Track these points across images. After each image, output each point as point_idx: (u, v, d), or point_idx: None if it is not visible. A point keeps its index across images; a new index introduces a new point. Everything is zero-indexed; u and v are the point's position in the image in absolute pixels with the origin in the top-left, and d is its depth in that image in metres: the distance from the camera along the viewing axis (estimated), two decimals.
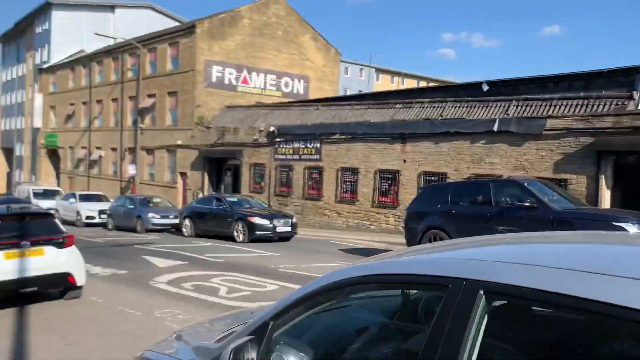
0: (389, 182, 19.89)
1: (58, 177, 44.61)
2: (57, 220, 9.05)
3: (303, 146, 22.78)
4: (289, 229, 17.05)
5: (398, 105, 21.10)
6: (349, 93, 51.42)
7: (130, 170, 32.99)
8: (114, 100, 36.63)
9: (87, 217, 24.70)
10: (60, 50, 46.32)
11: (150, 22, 44.91)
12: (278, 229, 16.73)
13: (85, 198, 26.42)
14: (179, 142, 30.06)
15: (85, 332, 7.06)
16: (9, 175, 63.64)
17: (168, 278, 10.69)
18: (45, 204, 28.60)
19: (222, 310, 7.93)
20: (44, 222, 8.76)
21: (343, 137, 21.34)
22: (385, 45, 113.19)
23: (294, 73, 34.07)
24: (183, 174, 30.14)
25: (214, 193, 25.22)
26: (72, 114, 41.90)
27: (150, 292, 9.48)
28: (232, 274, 10.90)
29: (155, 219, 21.03)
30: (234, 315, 4.03)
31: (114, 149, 36.64)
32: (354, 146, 20.95)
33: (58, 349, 6.36)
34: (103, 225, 24.34)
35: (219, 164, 28.56)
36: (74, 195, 26.67)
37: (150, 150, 32.92)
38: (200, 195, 26.81)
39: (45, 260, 8.25)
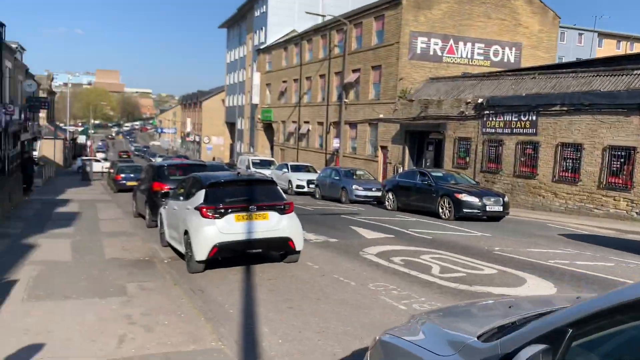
0: (621, 160, 17.15)
1: (272, 149, 48.83)
2: (279, 188, 9.51)
3: (516, 119, 20.93)
4: (499, 208, 15.82)
5: (636, 72, 17.94)
6: (564, 61, 46.11)
7: (335, 143, 34.36)
8: (322, 76, 38.38)
9: (297, 186, 26.41)
10: (275, 31, 50.06)
11: None
12: (488, 208, 15.62)
13: (296, 168, 28.28)
14: (381, 115, 30.24)
15: (305, 296, 7.25)
16: (232, 147, 71.96)
17: (377, 250, 10.62)
18: (262, 172, 31.56)
19: (438, 290, 7.49)
20: (267, 188, 9.27)
21: (564, 108, 18.99)
22: (611, 6, 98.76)
23: (504, 40, 31.53)
24: (384, 148, 30.33)
25: (417, 167, 24.81)
26: (284, 91, 45.21)
27: (362, 262, 9.48)
28: (442, 252, 10.37)
29: (359, 191, 21.46)
30: (482, 305, 3.50)
31: (320, 123, 38.58)
32: (577, 119, 18.51)
33: (282, 310, 6.61)
34: (311, 194, 25.77)
35: (421, 138, 28.00)
36: (286, 166, 28.75)
37: (353, 124, 33.83)
38: (401, 169, 26.67)
39: (269, 225, 8.72)
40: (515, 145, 21.03)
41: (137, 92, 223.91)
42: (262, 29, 52.07)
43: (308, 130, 39.97)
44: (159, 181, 13.75)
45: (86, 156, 60.51)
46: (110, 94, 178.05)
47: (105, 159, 59.16)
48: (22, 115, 30.01)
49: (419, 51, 29.70)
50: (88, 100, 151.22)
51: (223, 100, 75.95)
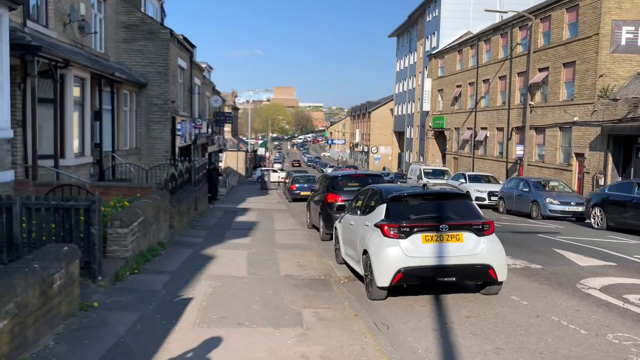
0: None
1: (443, 158, 46.54)
2: (474, 204, 7.92)
3: None
4: None
5: None
6: None
7: (518, 150, 31.12)
8: (502, 78, 35.27)
9: (477, 199, 24.10)
10: (447, 34, 47.85)
11: None
12: None
13: (474, 179, 25.97)
14: (576, 118, 26.42)
15: (522, 347, 5.57)
16: (399, 156, 70.88)
17: (599, 283, 8.38)
18: (433, 183, 29.73)
19: None
20: (461, 204, 7.75)
21: None
22: None
23: None
24: (579, 155, 26.42)
25: (635, 179, 20.89)
26: (458, 96, 42.74)
27: (584, 300, 7.41)
28: None
29: (554, 205, 18.59)
30: None
31: (499, 129, 35.43)
32: None
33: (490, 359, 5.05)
34: (492, 207, 23.32)
35: (628, 143, 23.70)
36: (463, 176, 26.58)
37: (540, 129, 30.26)
38: (602, 181, 22.82)
39: (464, 248, 7.18)
40: None
41: (309, 106, 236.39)
42: (434, 33, 50.22)
43: (486, 137, 37.03)
44: (333, 192, 12.99)
45: (264, 167, 64.40)
46: (286, 108, 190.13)
47: (282, 169, 62.27)
48: (209, 129, 32.40)
49: (623, 42, 25.34)
50: (267, 115, 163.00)
51: (391, 110, 75.42)
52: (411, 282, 7.25)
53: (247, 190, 37.88)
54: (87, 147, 15.28)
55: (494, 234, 7.45)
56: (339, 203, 12.68)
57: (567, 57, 27.72)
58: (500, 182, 27.20)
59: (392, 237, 7.15)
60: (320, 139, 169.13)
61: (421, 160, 51.37)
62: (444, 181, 29.66)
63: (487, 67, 37.55)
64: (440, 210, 7.45)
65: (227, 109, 55.49)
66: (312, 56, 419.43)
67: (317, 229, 14.51)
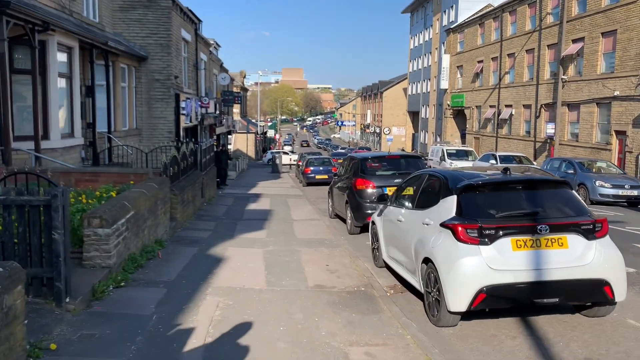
0: None
1: (463, 138, 44.22)
2: (575, 193, 5.85)
3: None
4: None
5: None
6: None
7: (549, 129, 28.85)
8: (529, 51, 32.79)
9: None
10: (467, 7, 45.18)
11: None
12: None
13: (505, 159, 23.74)
14: (616, 93, 24.07)
15: None
16: (414, 137, 68.55)
17: None
18: (459, 165, 27.55)
19: None
20: (559, 194, 5.70)
21: None
22: None
23: None
24: (620, 133, 24.14)
25: None
26: (479, 72, 40.26)
27: None
28: None
29: (605, 188, 16.44)
30: None
31: (526, 106, 33.07)
32: None
33: None
34: None
35: None
36: (493, 156, 24.35)
37: (573, 105, 27.91)
38: None
39: (570, 257, 5.17)
40: None
41: (318, 87, 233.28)
42: (452, 7, 47.53)
43: (511, 114, 34.67)
44: (363, 177, 10.95)
45: (274, 149, 62.39)
46: (295, 90, 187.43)
47: (292, 152, 60.23)
48: (217, 109, 30.37)
49: None
50: (275, 96, 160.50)
51: (404, 90, 72.87)
52: (498, 306, 5.26)
53: (258, 173, 35.93)
54: (77, 127, 13.33)
55: (607, 237, 5.41)
56: (371, 190, 10.67)
57: (606, 25, 25.24)
58: (534, 163, 25.04)
59: (471, 243, 5.14)
60: (329, 121, 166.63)
61: (438, 140, 49.13)
62: (469, 163, 27.50)
63: (512, 40, 35.03)
64: (533, 204, 5.42)
65: (235, 90, 53.38)
66: (321, 37, 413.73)
67: (343, 220, 12.53)
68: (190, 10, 22.07)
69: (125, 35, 18.27)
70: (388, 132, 76.31)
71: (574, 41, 27.74)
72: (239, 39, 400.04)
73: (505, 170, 5.89)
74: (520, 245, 5.12)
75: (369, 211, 10.54)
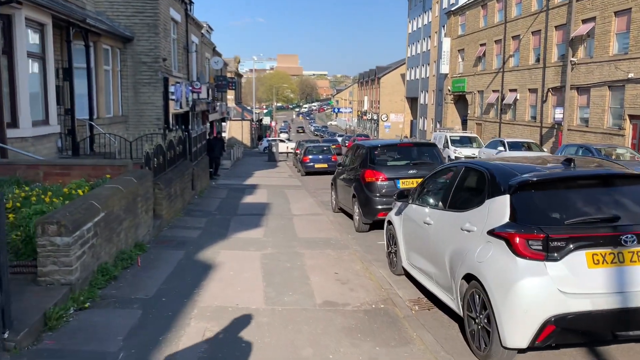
0: None
1: (464, 124, 42.99)
2: None
3: None
4: None
5: None
6: None
7: (557, 113, 27.64)
8: (535, 33, 31.44)
9: None
10: None
11: None
12: None
13: (514, 146, 22.53)
14: (631, 75, 22.83)
15: None
16: (412, 123, 67.26)
17: None
18: (464, 153, 26.30)
19: None
20: (630, 192, 4.48)
21: None
22: None
23: None
24: (634, 117, 22.96)
25: None
26: (482, 55, 38.89)
27: None
28: None
29: None
30: None
31: (532, 91, 31.79)
32: None
33: None
34: None
35: None
36: (501, 143, 23.09)
37: (583, 89, 26.66)
38: None
39: None
40: None
41: (314, 74, 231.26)
42: None
43: (515, 99, 33.39)
44: (373, 168, 9.71)
45: (270, 137, 61.01)
46: (291, 77, 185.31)
47: (289, 139, 58.90)
48: (210, 95, 28.95)
49: None
50: (271, 83, 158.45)
51: (402, 75, 71.46)
52: (569, 340, 4.05)
53: (254, 162, 34.64)
54: (52, 113, 11.99)
55: None
56: (382, 182, 9.45)
57: (619, 3, 23.92)
58: (545, 150, 23.86)
59: (534, 258, 3.93)
60: (325, 108, 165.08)
61: (439, 127, 47.91)
62: (475, 150, 26.29)
63: (517, 22, 33.65)
64: (612, 207, 4.21)
65: (229, 75, 51.86)
66: (316, 22, 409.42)
67: (348, 215, 11.33)
68: None
69: (108, 14, 16.85)
70: (386, 118, 75.00)
71: (584, 21, 26.42)
72: (233, 27, 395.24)
73: (569, 161, 4.65)
74: (599, 260, 3.92)
75: (380, 206, 9.34)
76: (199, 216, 11.42)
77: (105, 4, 16.86)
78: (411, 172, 9.40)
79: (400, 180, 9.35)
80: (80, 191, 6.85)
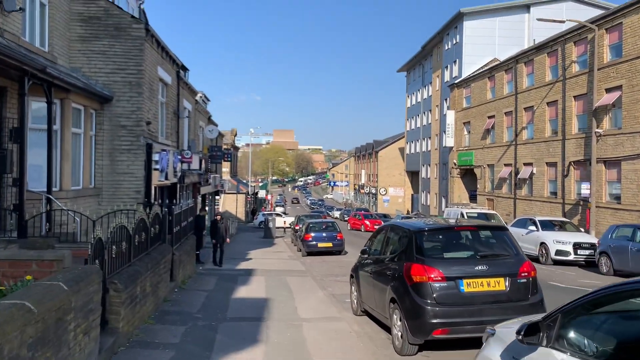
0: None
1: (473, 199, 40.48)
2: None
3: None
4: None
5: None
6: None
7: (583, 189, 25.11)
8: (551, 104, 29.63)
9: (558, 253, 17.87)
10: (471, 62, 42.76)
11: (571, 15, 36.16)
12: None
13: (547, 225, 19.78)
14: None
15: None
16: (413, 197, 64.90)
17: None
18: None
19: None
20: None
21: None
22: None
23: None
24: None
25: None
26: (490, 128, 37.05)
27: None
28: None
29: None
30: None
31: (550, 164, 29.51)
32: None
33: None
34: (580, 265, 17.16)
35: None
36: (532, 222, 20.30)
37: (612, 162, 24.34)
38: None
39: None
40: None
41: (309, 148, 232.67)
42: (454, 62, 45.13)
43: (532, 174, 31.05)
44: (423, 262, 6.78)
45: (266, 210, 58.27)
46: (286, 151, 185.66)
47: (285, 213, 56.14)
48: (203, 166, 26.44)
49: None
50: (267, 157, 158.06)
51: (401, 149, 70.04)
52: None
53: (249, 239, 31.61)
54: None
55: None
56: (439, 284, 6.52)
57: None
58: (581, 229, 21.13)
59: None
60: (321, 181, 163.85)
61: (443, 202, 45.39)
62: None
63: (529, 93, 31.98)
64: None
65: (225, 147, 49.88)
66: (311, 99, 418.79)
67: (379, 322, 8.30)
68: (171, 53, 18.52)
69: (85, 71, 14.53)
70: (384, 192, 72.76)
71: (608, 90, 24.54)
72: (229, 104, 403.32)
73: None
74: None
75: (435, 320, 6.39)
76: (175, 323, 8.36)
77: (82, 59, 14.57)
78: (479, 268, 6.53)
79: (465, 281, 6.45)
80: None
